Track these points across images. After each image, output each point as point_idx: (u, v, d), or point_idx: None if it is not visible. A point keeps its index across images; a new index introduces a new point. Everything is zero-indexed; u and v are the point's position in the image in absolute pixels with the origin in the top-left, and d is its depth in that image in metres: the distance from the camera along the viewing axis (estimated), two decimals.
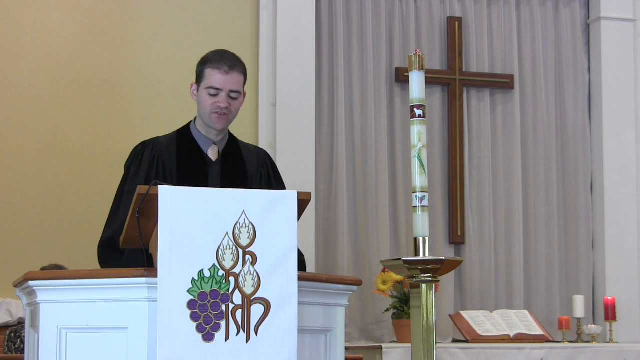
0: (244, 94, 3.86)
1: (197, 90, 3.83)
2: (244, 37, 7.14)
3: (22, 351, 5.85)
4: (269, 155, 4.08)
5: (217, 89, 3.76)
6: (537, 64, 7.76)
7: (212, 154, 3.86)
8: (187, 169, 3.71)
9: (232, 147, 3.93)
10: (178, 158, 3.77)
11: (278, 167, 4.04)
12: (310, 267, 6.87)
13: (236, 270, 2.97)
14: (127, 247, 3.34)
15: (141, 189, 3.05)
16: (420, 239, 3.26)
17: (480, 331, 6.83)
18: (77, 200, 6.67)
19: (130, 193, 3.67)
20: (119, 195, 3.78)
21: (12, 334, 6.17)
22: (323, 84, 7.32)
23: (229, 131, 3.95)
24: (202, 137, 3.87)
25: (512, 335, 6.82)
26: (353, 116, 7.34)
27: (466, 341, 6.83)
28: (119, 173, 3.89)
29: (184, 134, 3.90)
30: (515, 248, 7.54)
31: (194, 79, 3.87)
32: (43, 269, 5.74)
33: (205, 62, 3.81)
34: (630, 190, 7.69)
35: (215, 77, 3.76)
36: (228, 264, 2.96)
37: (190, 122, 3.93)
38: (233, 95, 3.78)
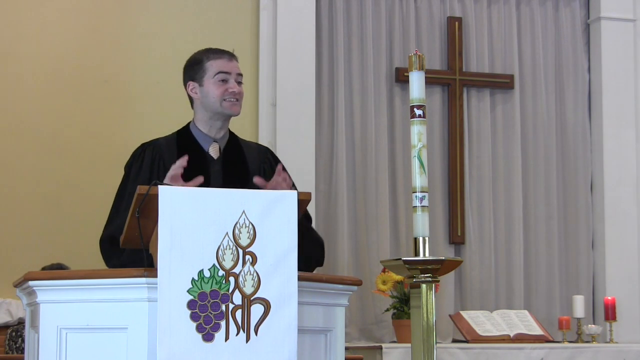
0: None
1: (200, 84, 3.82)
2: (244, 37, 7.14)
3: (24, 350, 5.86)
4: (270, 151, 4.07)
5: (226, 72, 3.79)
6: (537, 64, 7.76)
7: (214, 151, 3.86)
8: (189, 168, 3.70)
9: (233, 144, 3.93)
10: (179, 158, 3.77)
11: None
12: None
13: (236, 270, 2.97)
14: (127, 247, 3.34)
15: (141, 189, 3.05)
16: (420, 239, 3.27)
17: (480, 331, 6.83)
18: (77, 200, 6.67)
19: (132, 194, 3.66)
20: (119, 197, 3.78)
21: (14, 333, 6.17)
22: (323, 84, 7.32)
23: (229, 129, 3.94)
24: (203, 136, 3.86)
25: (512, 335, 6.82)
26: (353, 116, 7.34)
27: (466, 341, 6.83)
28: (119, 173, 3.88)
29: (184, 134, 3.89)
30: (515, 248, 7.54)
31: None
32: (45, 268, 5.75)
33: (201, 59, 3.83)
34: (630, 190, 7.69)
35: (221, 63, 3.80)
36: (228, 264, 2.96)
37: (189, 122, 3.93)
38: (239, 79, 3.83)
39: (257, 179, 3.61)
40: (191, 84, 3.86)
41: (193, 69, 3.85)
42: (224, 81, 3.79)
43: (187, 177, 3.51)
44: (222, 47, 3.94)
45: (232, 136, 3.95)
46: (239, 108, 3.84)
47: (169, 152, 3.82)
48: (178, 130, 3.94)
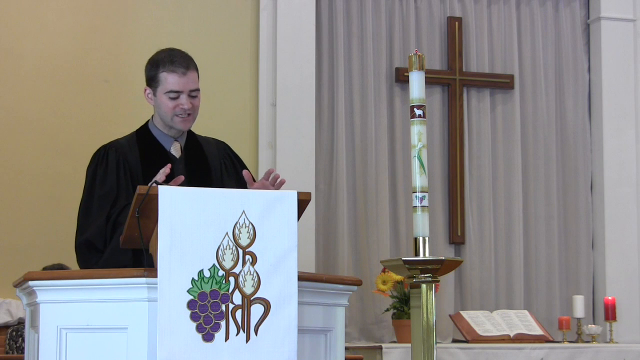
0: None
1: (154, 94, 3.82)
2: (244, 37, 7.14)
3: (24, 350, 5.85)
4: (228, 146, 4.08)
5: (177, 91, 3.75)
6: (537, 64, 7.76)
7: (175, 150, 3.88)
8: (152, 168, 3.70)
9: (193, 142, 3.95)
10: (142, 158, 3.76)
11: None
12: (310, 267, 6.88)
13: (236, 270, 2.97)
14: (127, 247, 3.34)
15: (141, 189, 3.06)
16: (420, 239, 3.27)
17: (480, 331, 6.83)
18: (77, 200, 6.64)
19: (102, 197, 3.68)
20: (86, 200, 3.77)
21: (14, 333, 6.17)
22: (323, 84, 7.32)
23: None
24: (163, 135, 3.88)
25: (512, 335, 6.82)
26: (353, 116, 7.34)
27: (466, 341, 6.83)
28: None
29: (144, 134, 3.90)
30: (515, 248, 7.54)
31: None
32: (45, 268, 5.75)
33: (158, 66, 3.80)
34: (630, 190, 7.69)
35: (173, 80, 3.76)
36: (228, 264, 2.97)
37: (148, 121, 3.94)
38: (193, 94, 3.79)
39: (245, 173, 3.67)
40: (147, 89, 3.87)
41: (150, 73, 3.84)
42: (175, 98, 3.76)
43: (150, 178, 3.51)
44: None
45: (190, 133, 3.96)
46: (190, 123, 3.83)
47: (131, 152, 3.83)
48: (137, 130, 3.95)
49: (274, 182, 3.60)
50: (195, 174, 3.82)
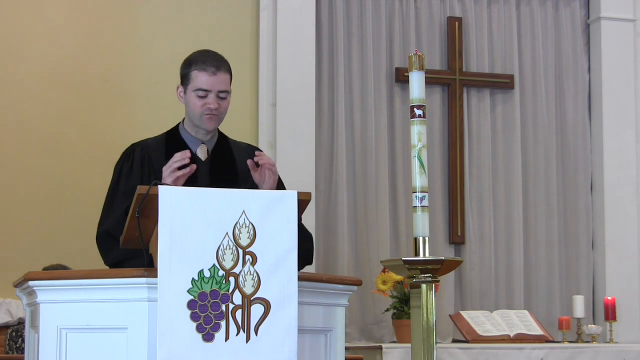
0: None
1: (185, 92, 3.84)
2: (244, 37, 7.14)
3: (24, 350, 5.86)
4: (260, 150, 4.07)
5: (205, 90, 3.77)
6: (537, 64, 7.76)
7: (202, 153, 3.88)
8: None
9: (222, 145, 3.95)
10: (167, 159, 3.78)
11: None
12: (310, 267, 6.86)
13: (236, 270, 2.97)
14: (127, 247, 3.34)
15: (141, 189, 3.06)
16: (420, 239, 3.27)
17: (480, 331, 6.83)
18: (77, 200, 6.67)
19: (126, 193, 3.69)
20: (111, 195, 3.79)
21: (14, 333, 6.17)
22: (323, 84, 7.32)
23: (218, 130, 3.95)
24: (191, 138, 3.89)
25: (512, 335, 6.82)
26: (353, 116, 7.34)
27: (466, 341, 6.83)
28: None
29: (173, 136, 3.92)
30: (515, 248, 7.54)
31: None
32: (46, 268, 5.75)
33: (191, 64, 3.82)
34: (630, 190, 7.69)
35: (202, 78, 3.77)
36: (228, 264, 2.97)
37: (179, 123, 3.95)
38: (222, 95, 3.80)
39: (249, 162, 3.72)
40: (180, 87, 3.89)
41: (183, 71, 3.87)
42: (203, 97, 3.79)
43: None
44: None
45: (221, 137, 3.97)
46: (215, 123, 3.84)
47: (157, 153, 3.85)
48: (167, 131, 3.97)
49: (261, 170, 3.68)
50: (221, 177, 3.82)
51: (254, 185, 3.79)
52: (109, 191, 3.82)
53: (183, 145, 3.86)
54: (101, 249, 3.70)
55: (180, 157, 3.60)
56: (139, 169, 3.81)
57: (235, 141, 4.03)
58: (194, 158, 3.82)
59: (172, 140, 3.90)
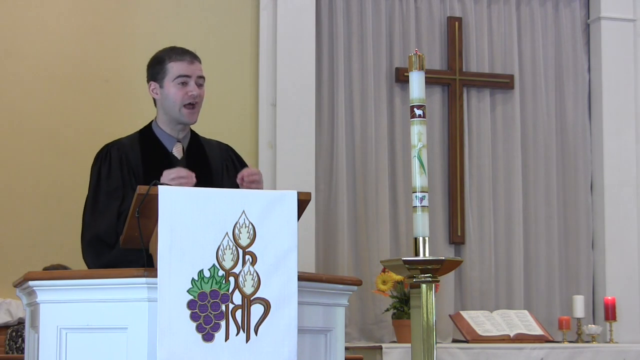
0: None
1: (161, 86, 3.84)
2: (244, 37, 7.13)
3: (24, 350, 5.86)
4: (231, 148, 4.09)
5: (187, 76, 3.80)
6: (537, 64, 7.76)
7: (177, 151, 3.88)
8: (153, 168, 3.71)
9: (195, 143, 3.96)
10: (143, 158, 3.78)
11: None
12: (310, 267, 6.87)
13: (236, 270, 2.97)
14: (127, 247, 3.34)
15: (141, 189, 3.06)
16: (420, 239, 3.27)
17: (480, 331, 6.83)
18: (77, 200, 6.62)
19: (109, 193, 3.69)
20: (92, 198, 3.78)
21: (14, 333, 6.17)
22: (323, 84, 7.32)
23: (190, 128, 3.96)
24: (166, 136, 3.89)
25: (512, 335, 6.82)
26: (353, 116, 7.34)
27: (466, 341, 6.83)
28: None
29: (147, 134, 3.91)
30: (515, 248, 7.54)
31: None
32: (46, 268, 5.74)
33: (164, 59, 3.86)
34: (630, 190, 7.69)
35: (181, 66, 3.82)
36: (228, 264, 2.97)
37: (152, 121, 3.95)
38: (200, 81, 3.84)
39: (238, 179, 3.72)
40: (152, 84, 3.89)
41: (155, 68, 3.88)
42: (184, 84, 3.80)
43: (153, 178, 3.52)
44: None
45: (193, 135, 3.98)
46: (196, 116, 3.86)
47: (133, 152, 3.84)
48: (140, 130, 3.96)
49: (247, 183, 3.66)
50: (197, 175, 3.82)
51: (231, 183, 3.79)
52: (90, 194, 3.81)
53: (158, 144, 3.86)
54: (90, 254, 3.67)
55: (186, 174, 3.57)
56: (118, 169, 3.79)
57: (206, 138, 4.04)
58: (170, 158, 3.81)
59: (147, 139, 3.89)
